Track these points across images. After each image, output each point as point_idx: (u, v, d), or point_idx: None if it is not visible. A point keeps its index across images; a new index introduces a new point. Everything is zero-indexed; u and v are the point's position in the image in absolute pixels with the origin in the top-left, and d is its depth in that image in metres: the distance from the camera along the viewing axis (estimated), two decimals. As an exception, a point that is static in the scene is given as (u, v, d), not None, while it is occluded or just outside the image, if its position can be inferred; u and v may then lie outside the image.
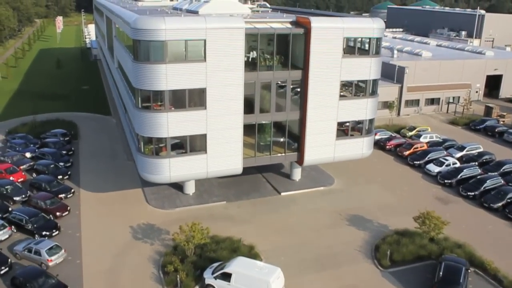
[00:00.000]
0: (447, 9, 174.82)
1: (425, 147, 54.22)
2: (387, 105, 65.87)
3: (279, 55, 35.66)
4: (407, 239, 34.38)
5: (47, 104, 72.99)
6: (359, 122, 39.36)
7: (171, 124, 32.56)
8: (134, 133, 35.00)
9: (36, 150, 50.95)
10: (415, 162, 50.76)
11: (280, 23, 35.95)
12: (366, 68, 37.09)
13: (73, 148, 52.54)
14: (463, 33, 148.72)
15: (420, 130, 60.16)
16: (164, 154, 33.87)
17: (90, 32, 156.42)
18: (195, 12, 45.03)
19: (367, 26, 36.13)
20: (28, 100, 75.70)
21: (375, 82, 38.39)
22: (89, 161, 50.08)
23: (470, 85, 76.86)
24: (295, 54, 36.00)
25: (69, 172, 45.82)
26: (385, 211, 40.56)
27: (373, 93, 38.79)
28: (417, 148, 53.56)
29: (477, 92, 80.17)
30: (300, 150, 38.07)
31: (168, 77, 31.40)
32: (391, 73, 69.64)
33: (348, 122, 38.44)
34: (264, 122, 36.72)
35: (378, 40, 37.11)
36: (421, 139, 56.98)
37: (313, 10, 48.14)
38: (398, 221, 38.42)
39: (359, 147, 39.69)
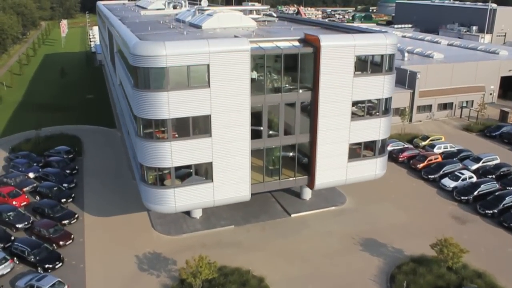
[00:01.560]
0: (457, 3, 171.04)
1: (440, 159, 52.29)
2: (398, 112, 63.85)
3: (287, 76, 33.95)
4: (424, 268, 32.72)
5: (51, 117, 71.87)
6: (372, 142, 37.57)
7: (175, 153, 31.09)
8: (137, 161, 33.58)
9: (40, 170, 49.89)
10: (429, 176, 48.88)
11: (288, 41, 34.21)
12: (379, 87, 35.27)
13: (77, 167, 51.36)
14: (474, 28, 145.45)
15: (433, 140, 58.16)
16: (168, 182, 32.44)
17: (95, 34, 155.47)
18: (198, 27, 43.49)
19: (379, 43, 34.25)
20: (32, 112, 74.66)
21: (388, 100, 36.55)
22: (93, 180, 48.84)
23: (483, 87, 74.56)
24: (304, 74, 34.27)
25: (72, 195, 44.61)
26: (399, 233, 38.87)
27: (386, 111, 36.98)
28: (431, 160, 51.65)
29: (491, 94, 77.82)
30: (310, 173, 36.43)
31: (170, 105, 29.88)
32: (402, 78, 67.47)
33: (361, 143, 36.68)
34: (272, 146, 35.11)
35: (391, 56, 35.22)
36: (435, 150, 55.04)
37: (321, 21, 46.25)
38: (414, 245, 36.75)
39: (372, 168, 37.97)
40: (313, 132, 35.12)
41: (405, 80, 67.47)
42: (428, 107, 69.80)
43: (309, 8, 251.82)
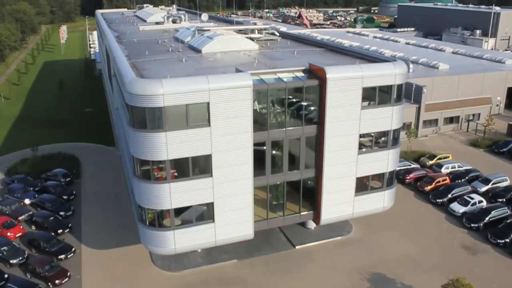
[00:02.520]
0: (460, 6, 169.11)
1: (448, 180, 50.70)
2: (404, 127, 62.19)
3: (292, 109, 32.39)
4: (437, 310, 31.25)
5: (48, 133, 70.50)
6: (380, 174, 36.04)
7: (174, 195, 29.59)
8: (135, 201, 32.10)
9: (36, 196, 48.47)
10: (437, 200, 47.28)
11: (292, 72, 32.62)
12: (387, 118, 33.71)
13: (74, 192, 49.84)
14: (478, 32, 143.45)
15: (441, 158, 56.56)
16: (167, 222, 30.97)
17: (95, 40, 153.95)
18: (198, 50, 41.98)
19: (388, 73, 32.66)
20: (29, 128, 73.34)
21: (397, 131, 34.99)
22: (91, 207, 47.32)
23: (490, 99, 72.94)
24: (309, 107, 32.72)
25: (69, 225, 43.10)
26: (409, 267, 37.33)
27: (395, 143, 35.41)
28: (439, 182, 50.09)
29: (497, 105, 76.19)
30: (316, 208, 34.91)
31: (169, 145, 28.38)
32: (408, 92, 65.60)
33: (368, 176, 35.14)
34: (276, 182, 33.59)
35: (400, 86, 33.64)
36: (443, 170, 53.46)
37: (326, 42, 44.72)
38: (424, 280, 35.28)
39: (380, 201, 36.45)
40: (319, 167, 33.58)
41: (411, 94, 65.83)
42: (434, 122, 68.18)
43: (310, 10, 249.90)
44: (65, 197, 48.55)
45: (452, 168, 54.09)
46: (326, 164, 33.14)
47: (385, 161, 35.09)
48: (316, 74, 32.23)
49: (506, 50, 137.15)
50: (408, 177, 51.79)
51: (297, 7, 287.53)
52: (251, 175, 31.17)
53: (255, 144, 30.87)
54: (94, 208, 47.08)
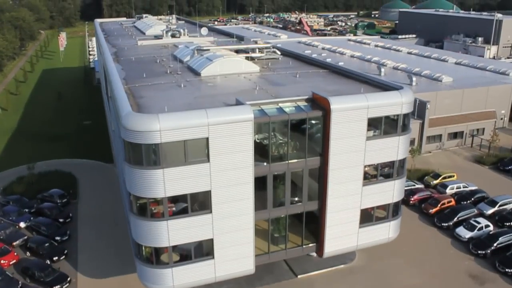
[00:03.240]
0: (461, 13, 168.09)
1: (453, 202, 49.55)
2: (407, 143, 61.01)
3: (294, 141, 31.23)
4: None
5: (45, 147, 69.51)
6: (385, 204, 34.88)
7: (172, 232, 28.44)
8: (132, 237, 30.93)
9: (31, 218, 47.33)
10: (443, 224, 46.11)
11: (294, 101, 31.47)
12: (393, 148, 32.56)
13: (70, 214, 48.68)
14: (480, 39, 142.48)
15: (445, 177, 55.39)
16: (165, 258, 29.79)
17: (94, 46, 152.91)
18: (197, 73, 40.85)
19: (394, 102, 31.53)
20: (26, 142, 72.29)
21: (403, 161, 33.83)
22: (88, 231, 46.15)
23: (494, 113, 71.81)
24: (313, 138, 31.57)
25: (65, 251, 41.93)
26: (414, 299, 36.23)
27: (401, 172, 34.24)
28: (444, 204, 48.93)
29: (502, 119, 75.09)
30: (319, 241, 33.72)
31: (166, 182, 27.23)
32: (410, 108, 64.64)
33: (373, 207, 33.99)
34: (278, 216, 32.41)
35: (407, 115, 32.51)
36: (447, 191, 52.31)
37: (329, 64, 43.65)
38: (430, 314, 34.14)
39: (385, 232, 35.27)
40: (322, 199, 32.41)
41: (414, 109, 64.63)
42: (438, 137, 67.04)
43: (310, 16, 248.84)
44: (61, 220, 47.43)
45: (457, 188, 52.94)
46: (330, 197, 31.97)
47: (391, 191, 33.93)
48: (319, 104, 31.07)
49: (508, 57, 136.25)
50: (412, 199, 50.61)
51: (297, 12, 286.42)
52: (252, 210, 30.01)
53: (256, 178, 29.71)
54: (91, 232, 45.92)
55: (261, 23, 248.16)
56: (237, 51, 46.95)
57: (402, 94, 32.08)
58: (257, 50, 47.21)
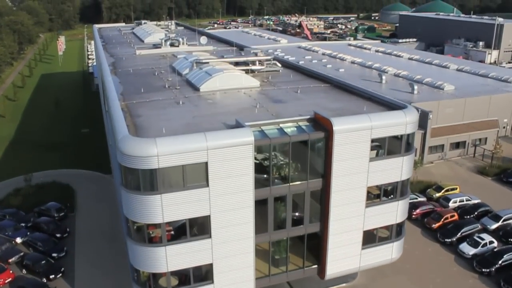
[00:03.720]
0: (462, 17, 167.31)
1: (456, 217, 48.79)
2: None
3: (296, 163, 30.46)
4: None
5: (43, 157, 68.70)
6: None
7: (171, 257, 27.69)
8: (129, 262, 30.14)
9: (28, 233, 46.52)
10: (446, 240, 45.34)
11: (296, 122, 30.69)
12: (397, 169, 31.81)
13: (68, 229, 47.88)
14: (481, 43, 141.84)
15: (448, 190, 54.62)
16: (163, 282, 29.00)
17: (93, 50, 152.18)
18: (196, 88, 40.07)
19: (398, 122, 30.75)
20: (24, 151, 71.50)
21: (406, 181, 33.06)
22: (86, 246, 45.32)
23: (497, 122, 71.08)
24: (314, 160, 30.79)
25: (62, 269, 41.12)
26: (418, 320, 35.45)
27: (404, 192, 33.46)
28: (447, 218, 48.17)
29: (504, 127, 74.40)
30: (321, 263, 32.95)
31: (164, 208, 26.47)
32: (412, 118, 63.91)
33: (376, 228, 33.24)
34: (279, 239, 31.62)
35: (411, 135, 31.76)
36: (450, 204, 51.55)
37: (332, 78, 42.87)
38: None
39: (388, 252, 34.51)
40: (324, 221, 31.65)
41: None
42: (440, 147, 66.30)
43: (310, 19, 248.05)
44: (58, 235, 46.65)
45: (460, 201, 52.18)
46: (332, 219, 31.20)
47: (394, 212, 33.18)
48: (321, 124, 30.30)
49: (509, 62, 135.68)
50: (414, 213, 49.82)
51: (297, 15, 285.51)
52: (252, 234, 29.25)
53: (256, 201, 28.94)
54: (89, 247, 45.11)
55: (261, 25, 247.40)
56: (237, 64, 46.18)
57: (406, 113, 31.31)
58: (257, 62, 46.41)
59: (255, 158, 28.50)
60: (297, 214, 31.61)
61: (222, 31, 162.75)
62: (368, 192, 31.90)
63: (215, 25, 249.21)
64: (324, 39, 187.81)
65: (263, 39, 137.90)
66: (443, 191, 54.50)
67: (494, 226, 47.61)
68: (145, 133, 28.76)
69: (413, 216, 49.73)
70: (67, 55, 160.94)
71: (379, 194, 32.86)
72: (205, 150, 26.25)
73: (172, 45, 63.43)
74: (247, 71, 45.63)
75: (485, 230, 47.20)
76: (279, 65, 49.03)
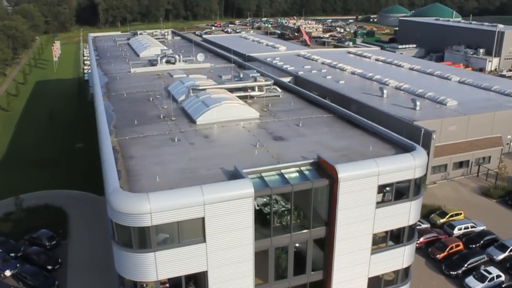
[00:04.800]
0: (462, 22, 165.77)
1: (461, 246, 47.22)
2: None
3: (298, 210, 28.77)
4: None
5: (35, 176, 66.77)
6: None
7: (165, 315, 25.97)
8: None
9: (17, 265, 44.72)
10: (451, 272, 43.78)
11: (298, 167, 28.97)
12: (404, 214, 30.19)
13: (60, 260, 46.08)
14: (481, 51, 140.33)
15: (452, 215, 53.08)
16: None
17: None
18: (192, 120, 38.26)
19: (407, 166, 29.10)
20: (15, 169, 69.51)
21: (413, 226, 31.43)
22: (78, 278, 43.57)
23: (500, 139, 69.52)
24: (318, 207, 29.09)
25: (52, 307, 39.51)
26: None
27: (411, 236, 31.85)
28: (452, 248, 46.61)
29: (508, 144, 72.88)
30: (323, 312, 31.30)
31: (158, 266, 24.77)
32: (416, 137, 62.10)
33: (382, 275, 31.61)
34: (279, 289, 30.02)
35: (419, 179, 30.11)
36: (455, 232, 50.02)
37: (334, 107, 41.23)
38: None
39: (394, 298, 32.87)
40: (328, 270, 29.99)
41: (419, 139, 62.24)
42: (443, 167, 64.75)
43: (309, 22, 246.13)
44: (49, 267, 44.85)
45: (465, 228, 50.64)
46: (335, 268, 29.56)
47: (401, 257, 31.55)
48: (325, 169, 28.60)
49: (510, 70, 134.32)
50: (418, 241, 48.11)
51: (295, 17, 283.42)
52: (252, 287, 27.56)
53: (256, 253, 27.25)
54: (81, 280, 43.35)
55: (259, 28, 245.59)
56: (236, 89, 44.43)
57: (415, 156, 29.65)
58: (256, 88, 44.64)
59: (255, 204, 26.84)
60: (299, 262, 29.93)
61: (220, 37, 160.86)
62: (374, 239, 30.25)
63: (213, 28, 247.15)
64: (323, 43, 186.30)
65: (261, 45, 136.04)
66: (447, 216, 52.95)
67: (501, 256, 46.07)
68: (137, 182, 27.02)
69: (417, 244, 48.03)
70: (62, 60, 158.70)
71: (385, 238, 31.23)
72: (201, 205, 24.51)
73: (168, 62, 61.55)
74: (246, 97, 43.89)
75: (491, 260, 45.71)
76: (279, 90, 47.23)
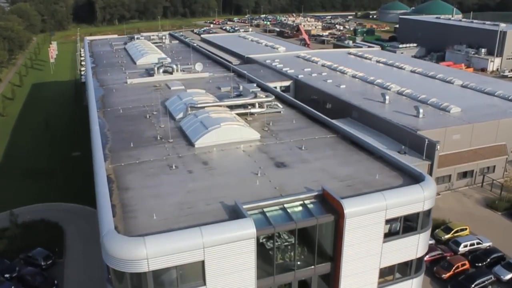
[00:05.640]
0: (463, 21, 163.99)
1: (467, 265, 46.06)
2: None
3: (302, 246, 27.50)
4: None
5: (31, 187, 65.38)
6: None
7: None
8: None
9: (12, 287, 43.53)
10: (458, 294, 42.73)
11: (302, 200, 27.66)
12: (412, 247, 28.97)
13: (56, 281, 44.84)
14: (483, 50, 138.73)
15: (457, 231, 51.89)
16: None
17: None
18: (190, 142, 36.89)
19: (416, 198, 27.83)
20: (9, 180, 68.06)
21: (422, 258, 30.20)
22: (74, 303, 42.50)
23: (505, 147, 68.23)
24: (323, 243, 27.82)
25: (47, 335, 38.30)
26: None
27: (419, 269, 30.62)
28: (458, 267, 45.46)
29: (512, 152, 71.69)
30: None
31: (154, 312, 23.49)
32: (419, 147, 60.79)
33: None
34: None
35: (429, 211, 28.84)
36: (461, 249, 48.84)
37: (339, 127, 39.93)
38: None
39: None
40: (333, 307, 28.83)
41: (423, 149, 60.89)
42: (447, 177, 63.50)
43: (308, 19, 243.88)
44: (45, 290, 43.72)
45: (471, 245, 49.45)
46: (341, 304, 28.37)
47: (408, 291, 30.37)
48: (331, 203, 27.29)
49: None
50: (424, 260, 47.12)
51: (294, 15, 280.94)
52: (253, 330, 26.36)
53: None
54: (77, 305, 42.25)
55: (258, 25, 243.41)
56: (236, 107, 43.01)
57: (424, 188, 28.35)
58: (257, 104, 43.20)
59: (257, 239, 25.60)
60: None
61: (218, 36, 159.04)
62: (380, 274, 29.04)
63: (211, 25, 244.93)
64: (323, 42, 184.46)
65: (260, 45, 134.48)
66: (452, 232, 51.77)
67: (508, 276, 44.91)
68: (133, 220, 25.71)
69: (422, 263, 47.02)
70: (59, 60, 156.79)
71: (392, 270, 30.00)
72: (201, 248, 23.22)
73: (165, 72, 59.99)
74: (246, 114, 42.52)
75: (498, 280, 44.59)
76: (280, 106, 45.75)
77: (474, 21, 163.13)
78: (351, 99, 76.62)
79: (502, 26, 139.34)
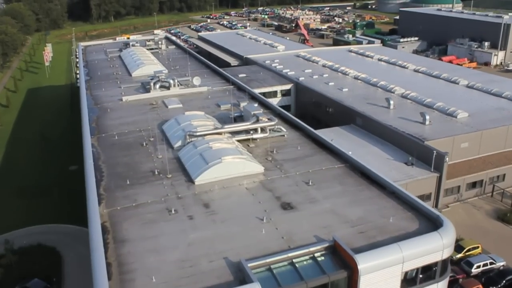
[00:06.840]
0: (465, 13, 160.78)
1: (481, 288, 44.38)
2: (423, 198, 55.49)
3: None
4: None
5: (26, 207, 63.35)
6: None
7: None
8: None
9: (8, 326, 41.88)
10: (473, 322, 41.03)
11: (312, 253, 25.61)
12: (429, 297, 27.05)
13: (53, 317, 43.28)
14: (486, 44, 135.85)
15: (469, 249, 50.05)
16: None
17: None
18: (189, 179, 34.81)
19: (434, 247, 25.86)
20: (4, 199, 66.04)
21: (439, 306, 28.34)
22: None
23: (514, 153, 66.28)
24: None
25: None
26: None
27: (437, 317, 28.76)
28: (472, 291, 43.76)
29: (521, 157, 69.59)
30: None
31: None
32: (426, 158, 58.65)
33: None
34: None
35: (447, 259, 26.86)
36: (473, 270, 47.00)
37: (345, 154, 37.74)
38: None
39: None
40: None
41: (431, 161, 58.76)
42: (456, 188, 61.48)
43: (306, 12, 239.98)
44: (42, 327, 42.03)
45: (484, 266, 47.63)
46: None
47: None
48: (343, 257, 25.32)
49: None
50: (436, 284, 45.31)
51: (292, 8, 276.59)
52: None
53: None
54: None
55: (255, 19, 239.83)
56: (238, 132, 40.86)
57: (443, 235, 26.36)
58: (259, 129, 41.01)
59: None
60: None
61: (216, 34, 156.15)
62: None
63: (208, 20, 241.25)
64: (322, 36, 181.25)
65: (259, 44, 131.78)
66: (464, 251, 49.92)
67: (525, 301, 43.29)
68: (130, 283, 23.72)
69: None
70: (55, 63, 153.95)
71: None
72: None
73: (162, 87, 57.66)
74: (248, 140, 40.38)
75: (515, 308, 42.95)
76: (284, 129, 43.48)
77: (477, 12, 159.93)
78: (354, 104, 74.28)
79: (506, 18, 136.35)
